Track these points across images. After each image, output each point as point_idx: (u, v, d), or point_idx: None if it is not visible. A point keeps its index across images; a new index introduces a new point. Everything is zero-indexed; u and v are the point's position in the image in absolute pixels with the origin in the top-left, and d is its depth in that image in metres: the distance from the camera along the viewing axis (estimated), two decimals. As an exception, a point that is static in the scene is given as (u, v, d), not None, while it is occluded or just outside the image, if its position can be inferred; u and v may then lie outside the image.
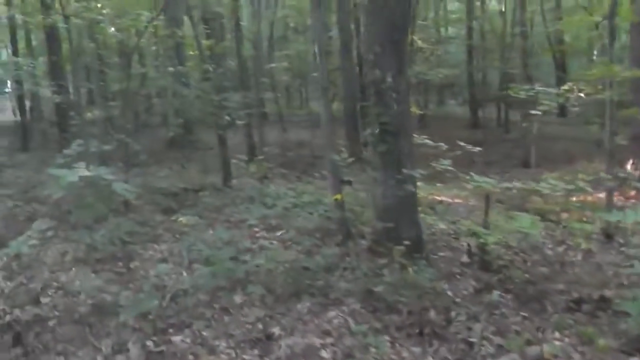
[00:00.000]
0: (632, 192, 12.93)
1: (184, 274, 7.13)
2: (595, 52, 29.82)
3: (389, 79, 6.89)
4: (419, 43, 19.93)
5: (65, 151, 9.81)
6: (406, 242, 6.73)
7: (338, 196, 7.40)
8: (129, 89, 11.35)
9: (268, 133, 20.92)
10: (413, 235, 7.09)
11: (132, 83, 16.04)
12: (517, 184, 7.24)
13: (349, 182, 15.50)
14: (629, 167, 13.02)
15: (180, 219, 9.30)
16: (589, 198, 13.42)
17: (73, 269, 7.43)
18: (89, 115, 13.41)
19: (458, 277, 7.16)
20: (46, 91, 19.80)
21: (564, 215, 11.78)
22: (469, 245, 7.85)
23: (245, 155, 18.73)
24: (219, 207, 10.54)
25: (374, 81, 7.00)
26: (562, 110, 31.06)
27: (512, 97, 27.15)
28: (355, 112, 19.25)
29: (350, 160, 18.08)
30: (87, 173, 5.19)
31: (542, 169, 17.58)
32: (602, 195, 13.48)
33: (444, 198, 13.38)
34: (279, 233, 8.78)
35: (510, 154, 20.46)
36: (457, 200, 13.29)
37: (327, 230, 8.62)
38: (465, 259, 7.78)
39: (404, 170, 6.97)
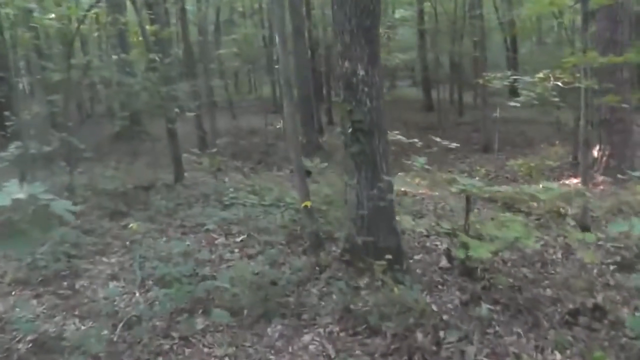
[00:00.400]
0: (600, 179, 12.51)
1: (137, 294, 6.31)
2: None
3: (361, 72, 6.16)
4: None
5: (1, 154, 8.89)
6: (386, 256, 6.04)
7: (307, 203, 6.63)
8: (70, 80, 10.30)
9: (218, 121, 20.00)
10: (392, 245, 6.40)
11: (74, 73, 14.98)
12: (508, 188, 6.56)
13: (309, 173, 14.79)
14: (595, 152, 12.56)
15: (131, 225, 8.43)
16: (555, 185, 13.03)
17: (13, 293, 6.53)
18: (27, 112, 12.22)
19: (440, 287, 6.50)
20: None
21: (534, 205, 11.27)
22: (448, 249, 7.19)
23: (197, 147, 17.90)
24: (172, 209, 9.68)
25: (344, 74, 6.25)
26: (514, 92, 30.79)
27: (463, 79, 26.91)
28: (309, 98, 18.47)
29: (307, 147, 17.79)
30: (19, 195, 4.33)
31: (504, 154, 17.13)
32: (570, 181, 13.14)
33: (407, 189, 12.73)
34: (239, 238, 8.00)
35: (468, 139, 19.94)
36: (420, 191, 12.66)
37: (292, 234, 7.89)
38: (444, 263, 7.13)
39: (383, 176, 6.25)
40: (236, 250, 7.50)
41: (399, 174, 14.06)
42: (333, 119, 22.98)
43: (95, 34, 27.49)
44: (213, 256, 7.34)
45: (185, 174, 12.67)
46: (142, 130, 17.54)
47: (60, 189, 10.59)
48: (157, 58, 11.21)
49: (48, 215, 4.75)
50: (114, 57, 14.32)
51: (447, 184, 10.78)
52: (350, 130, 6.21)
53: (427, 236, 8.36)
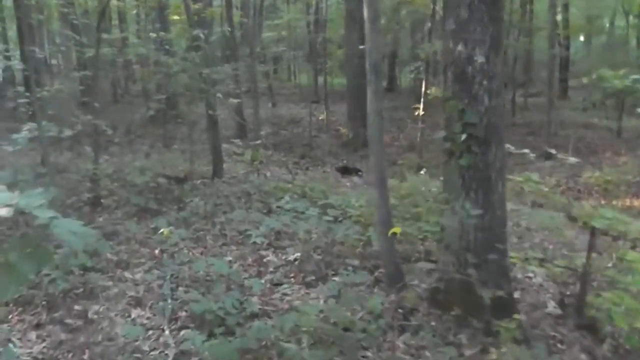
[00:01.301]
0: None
1: (166, 331, 4.77)
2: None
3: (479, 58, 4.51)
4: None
5: (15, 136, 7.41)
6: (496, 300, 4.43)
7: (397, 230, 4.97)
8: (98, 56, 8.78)
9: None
10: (503, 288, 4.73)
11: (108, 50, 13.54)
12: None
13: (358, 172, 13.16)
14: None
15: (162, 230, 6.86)
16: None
17: (9, 318, 5.02)
18: (47, 89, 10.73)
19: (559, 345, 4.85)
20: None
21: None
22: (561, 293, 5.54)
23: (235, 135, 16.35)
24: (210, 211, 8.10)
25: (456, 61, 4.60)
26: (564, 93, 28.81)
27: (514, 77, 24.90)
28: (360, 89, 16.76)
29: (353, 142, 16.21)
30: (3, 211, 2.74)
31: (565, 161, 15.33)
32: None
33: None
34: (292, 257, 6.40)
35: (524, 142, 18.08)
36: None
37: (359, 256, 6.27)
38: (553, 309, 5.48)
39: (498, 199, 4.63)
40: (291, 275, 5.90)
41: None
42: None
43: (134, 11, 26.00)
44: (262, 280, 5.75)
45: (224, 167, 11.11)
46: (179, 114, 15.99)
47: (82, 179, 9.11)
48: (201, 35, 9.62)
49: (46, 240, 3.22)
50: (152, 34, 12.73)
51: (562, 205, 8.95)
52: (461, 135, 4.55)
53: (513, 263, 6.70)
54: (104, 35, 13.60)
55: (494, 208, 4.72)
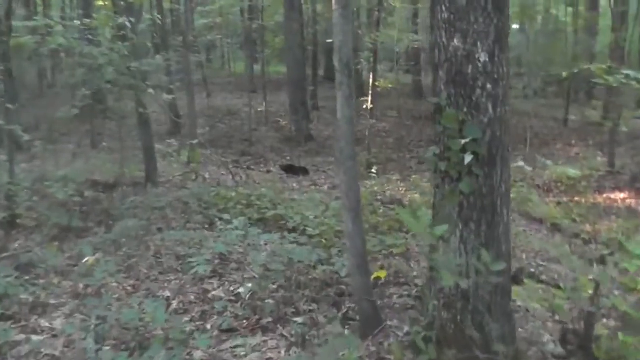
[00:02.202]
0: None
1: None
2: None
3: (482, 56, 3.55)
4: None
5: None
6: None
7: (382, 274, 3.97)
8: (5, 44, 7.51)
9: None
10: (506, 336, 3.82)
11: (28, 38, 12.02)
12: None
13: (304, 171, 12.12)
14: None
15: (87, 258, 5.71)
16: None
17: None
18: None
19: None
20: None
21: (588, 227, 8.84)
22: (564, 328, 4.65)
23: (168, 132, 15.08)
24: (144, 228, 6.93)
25: (451, 58, 3.63)
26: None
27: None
28: (302, 80, 15.75)
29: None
30: None
31: (519, 155, 14.65)
32: (615, 195, 10.75)
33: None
34: (242, 289, 5.31)
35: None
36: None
37: (324, 289, 5.27)
38: (555, 348, 4.60)
39: (503, 231, 3.72)
40: (243, 316, 4.82)
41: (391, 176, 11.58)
42: (318, 103, 20.25)
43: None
44: (209, 326, 4.67)
45: (159, 169, 9.95)
46: (107, 109, 14.58)
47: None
48: (127, 24, 8.39)
49: None
50: (76, 22, 11.35)
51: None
52: (458, 154, 3.58)
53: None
54: (24, 23, 12.13)
55: (499, 243, 3.78)
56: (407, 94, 23.87)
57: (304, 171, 11.84)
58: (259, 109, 18.28)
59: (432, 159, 3.75)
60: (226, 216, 7.48)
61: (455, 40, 3.59)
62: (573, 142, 15.76)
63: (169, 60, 13.63)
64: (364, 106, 12.43)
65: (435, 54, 3.73)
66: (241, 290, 5.30)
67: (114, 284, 5.45)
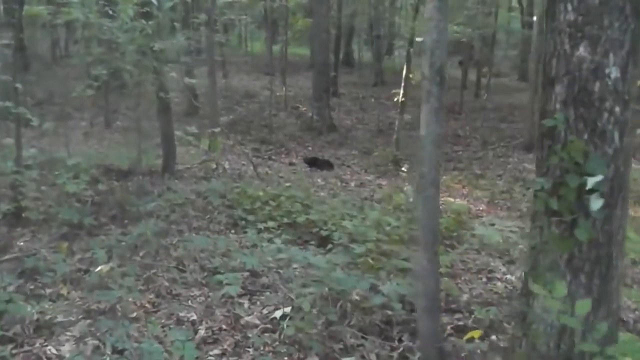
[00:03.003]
0: None
1: None
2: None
3: (613, 72, 2.78)
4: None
5: None
6: None
7: (475, 334, 3.20)
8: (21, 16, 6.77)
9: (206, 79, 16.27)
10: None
11: (41, 8, 11.30)
12: None
13: (329, 164, 11.35)
14: None
15: (100, 267, 4.99)
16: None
17: None
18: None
19: None
20: None
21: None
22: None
23: (184, 112, 14.31)
24: (162, 230, 6.20)
25: (573, 71, 2.87)
26: (524, 75, 27.32)
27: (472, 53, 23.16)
28: (327, 66, 14.92)
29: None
30: None
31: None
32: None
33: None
34: (279, 314, 4.59)
35: (499, 130, 16.45)
36: (480, 208, 9.38)
37: (374, 317, 4.53)
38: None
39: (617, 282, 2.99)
40: (282, 350, 4.09)
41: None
42: (338, 90, 19.43)
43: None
44: (242, 361, 3.96)
45: (178, 164, 9.25)
46: (124, 85, 13.80)
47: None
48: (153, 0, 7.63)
49: None
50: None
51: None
52: (574, 192, 2.83)
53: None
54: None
55: (611, 299, 3.04)
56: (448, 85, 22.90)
57: (329, 165, 11.09)
58: (278, 93, 17.47)
59: (541, 195, 2.99)
60: (251, 217, 6.78)
61: (581, 49, 2.82)
62: None
63: (190, 39, 12.87)
64: (395, 99, 11.64)
65: (552, 64, 2.96)
66: (277, 314, 4.58)
67: (130, 299, 4.73)
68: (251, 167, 9.81)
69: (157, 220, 6.48)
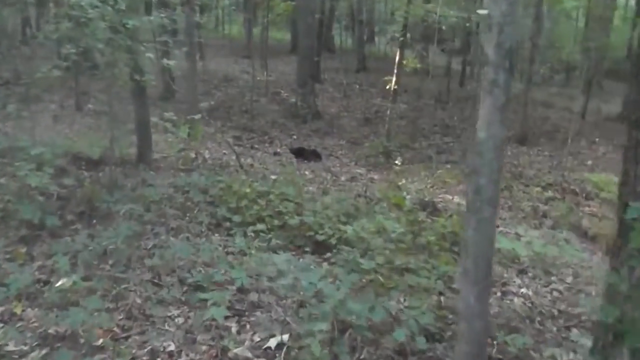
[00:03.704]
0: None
1: None
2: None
3: None
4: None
5: None
6: None
7: None
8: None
9: (182, 63, 15.25)
10: None
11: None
12: None
13: (316, 155, 10.54)
14: None
15: (61, 281, 4.18)
16: None
17: None
18: None
19: None
20: None
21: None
22: None
23: (160, 96, 13.36)
24: (135, 234, 5.36)
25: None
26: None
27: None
28: (312, 49, 14.08)
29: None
30: None
31: (542, 148, 13.17)
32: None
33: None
34: (274, 343, 3.83)
35: None
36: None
37: (386, 350, 3.79)
38: None
39: None
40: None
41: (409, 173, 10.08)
42: (321, 76, 18.57)
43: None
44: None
45: (155, 153, 8.41)
46: (95, 66, 12.82)
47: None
48: (125, -32, 6.74)
49: None
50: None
51: None
52: None
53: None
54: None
55: None
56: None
57: (316, 156, 10.28)
58: (258, 78, 16.55)
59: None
60: (237, 218, 5.98)
61: None
62: (597, 139, 14.30)
63: (167, 18, 11.92)
64: (387, 86, 10.85)
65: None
66: (272, 343, 3.81)
67: (96, 322, 3.91)
68: (234, 157, 8.98)
69: (129, 220, 5.64)
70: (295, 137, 12.23)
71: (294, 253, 5.51)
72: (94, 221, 5.77)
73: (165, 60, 8.54)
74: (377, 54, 25.29)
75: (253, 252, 5.15)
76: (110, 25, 6.72)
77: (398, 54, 10.57)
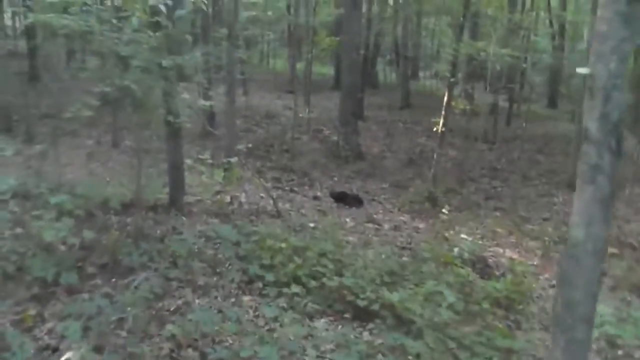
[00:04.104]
0: None
1: None
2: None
3: None
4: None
5: None
6: None
7: None
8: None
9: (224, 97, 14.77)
10: None
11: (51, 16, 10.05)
12: None
13: (359, 200, 9.95)
14: None
15: (66, 355, 3.69)
16: None
17: None
18: None
19: None
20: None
21: None
22: None
23: (198, 135, 12.96)
24: (158, 292, 4.86)
25: None
26: (552, 101, 25.70)
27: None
28: (356, 87, 13.60)
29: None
30: None
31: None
32: None
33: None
34: None
35: (536, 164, 14.85)
36: (531, 263, 7.96)
37: None
38: None
39: None
40: None
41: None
42: (364, 113, 18.06)
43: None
44: None
45: (187, 196, 7.96)
46: (131, 96, 12.49)
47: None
48: (162, 7, 6.35)
49: None
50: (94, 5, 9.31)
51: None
52: None
53: None
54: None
55: None
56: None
57: (358, 201, 9.69)
58: (300, 115, 16.10)
59: None
60: (271, 276, 5.43)
61: None
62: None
63: (208, 54, 11.60)
64: (434, 128, 10.26)
65: None
66: None
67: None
68: (271, 202, 8.46)
69: (154, 275, 5.15)
70: (336, 178, 11.67)
71: (332, 319, 4.95)
72: (114, 279, 5.27)
73: (201, 101, 8.10)
74: (422, 90, 24.69)
75: (287, 320, 4.59)
76: (142, 65, 6.34)
77: (446, 94, 9.99)
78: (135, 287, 4.87)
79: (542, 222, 10.04)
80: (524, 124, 16.18)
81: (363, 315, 4.95)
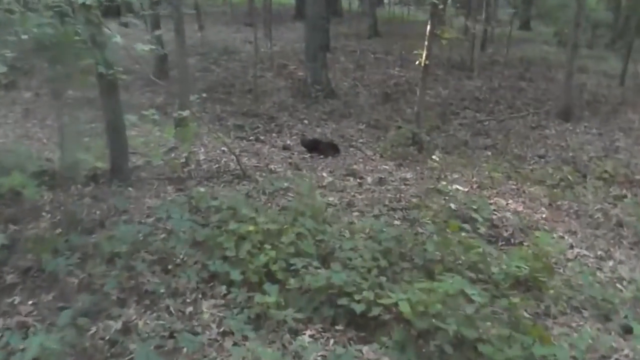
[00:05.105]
0: None
1: None
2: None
3: None
4: None
5: None
6: None
7: None
8: None
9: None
10: None
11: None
12: None
13: (335, 148, 8.66)
14: None
15: None
16: None
17: None
18: None
19: None
20: None
21: None
22: None
23: (148, 82, 11.37)
24: (92, 313, 3.64)
25: None
26: (526, 24, 24.26)
27: None
28: (323, 17, 12.14)
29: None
30: None
31: (588, 124, 11.18)
32: None
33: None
34: None
35: (519, 91, 13.60)
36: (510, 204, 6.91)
37: None
38: None
39: None
40: None
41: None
42: (330, 44, 16.51)
43: None
44: None
45: (131, 155, 6.65)
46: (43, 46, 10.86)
47: None
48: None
49: None
50: None
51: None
52: None
53: None
54: None
55: None
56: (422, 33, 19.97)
57: (334, 148, 8.39)
58: (262, 49, 14.56)
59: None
60: (237, 274, 4.19)
61: None
62: (642, 107, 12.31)
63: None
64: (417, 61, 8.91)
65: None
66: None
67: None
68: (232, 157, 7.14)
69: (85, 290, 3.90)
70: (306, 122, 10.32)
71: (319, 330, 3.77)
72: (37, 289, 4.02)
73: (139, 45, 6.58)
74: (390, 17, 23.06)
75: (259, 339, 3.41)
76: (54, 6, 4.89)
77: (429, 22, 8.59)
78: (59, 310, 3.63)
79: (539, 160, 8.93)
80: (506, 50, 14.97)
81: (361, 325, 3.79)
